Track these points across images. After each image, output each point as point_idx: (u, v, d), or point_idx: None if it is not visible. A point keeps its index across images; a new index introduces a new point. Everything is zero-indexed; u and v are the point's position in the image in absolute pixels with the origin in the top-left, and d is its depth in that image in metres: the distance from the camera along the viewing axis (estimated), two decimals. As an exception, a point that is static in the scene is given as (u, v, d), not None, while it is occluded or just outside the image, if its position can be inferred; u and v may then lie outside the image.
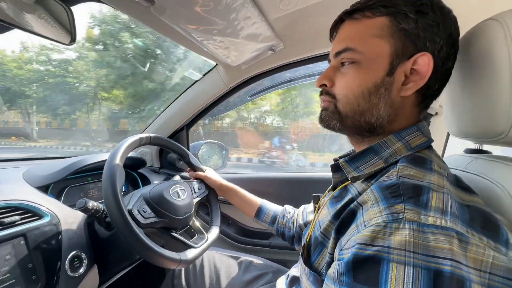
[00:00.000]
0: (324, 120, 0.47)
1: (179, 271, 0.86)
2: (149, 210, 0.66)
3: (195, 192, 0.84)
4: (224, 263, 0.87)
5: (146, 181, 1.04)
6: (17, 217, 0.57)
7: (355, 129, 0.45)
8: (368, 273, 0.30)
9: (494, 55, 0.40)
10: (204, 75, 1.02)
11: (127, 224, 0.57)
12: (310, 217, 0.73)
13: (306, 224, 0.73)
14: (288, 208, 0.83)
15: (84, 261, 0.64)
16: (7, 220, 0.55)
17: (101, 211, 0.65)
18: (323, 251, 0.44)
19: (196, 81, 1.04)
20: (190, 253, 0.68)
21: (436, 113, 0.83)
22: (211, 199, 0.89)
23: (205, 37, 0.68)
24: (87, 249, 0.66)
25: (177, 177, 0.91)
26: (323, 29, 0.77)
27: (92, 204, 0.62)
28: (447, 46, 0.40)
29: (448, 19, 0.40)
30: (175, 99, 1.09)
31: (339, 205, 0.45)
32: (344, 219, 0.40)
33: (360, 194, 0.42)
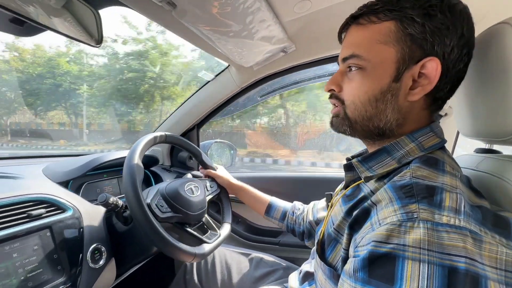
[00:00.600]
0: (335, 126, 0.49)
1: (191, 267, 0.89)
2: (165, 205, 0.68)
3: (207, 190, 0.86)
4: (235, 259, 0.89)
5: (158, 179, 1.06)
6: (43, 210, 0.59)
7: (365, 133, 0.46)
8: (384, 270, 0.31)
9: (506, 58, 0.41)
10: (216, 75, 1.04)
11: (146, 217, 0.60)
12: (321, 213, 0.74)
13: (316, 221, 0.74)
14: (298, 204, 0.84)
15: (103, 253, 0.66)
16: (34, 212, 0.57)
17: (120, 206, 0.68)
18: (337, 247, 0.46)
19: (208, 81, 1.07)
20: (204, 248, 0.70)
21: (446, 114, 0.85)
22: (222, 197, 0.92)
23: (221, 39, 0.70)
24: (106, 243, 0.68)
25: (189, 175, 0.93)
26: (334, 31, 0.78)
27: (112, 199, 0.65)
28: (458, 47, 0.39)
29: (459, 19, 0.39)
30: (188, 99, 1.12)
31: (352, 203, 0.46)
32: (357, 217, 0.41)
33: (373, 192, 0.43)
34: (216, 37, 0.68)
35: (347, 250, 0.41)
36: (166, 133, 0.81)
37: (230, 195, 0.93)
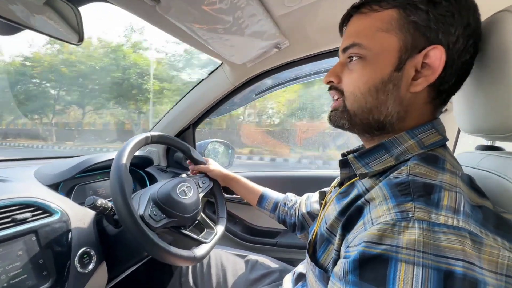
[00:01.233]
0: (333, 120, 0.47)
1: (186, 270, 0.87)
2: (159, 213, 0.66)
3: (199, 187, 0.84)
4: (230, 261, 0.88)
5: (153, 180, 1.05)
6: (28, 214, 0.58)
7: (364, 127, 0.44)
8: (375, 272, 0.30)
9: (509, 48, 0.39)
10: (210, 74, 1.02)
11: (141, 230, 0.58)
12: (315, 206, 0.72)
13: (309, 213, 0.73)
14: (290, 195, 0.83)
15: (93, 257, 0.65)
16: (19, 216, 0.56)
17: (110, 209, 0.66)
18: (329, 248, 0.44)
19: (202, 80, 1.05)
20: (202, 249, 0.70)
21: (446, 110, 0.82)
22: (215, 191, 0.90)
23: (210, 35, 0.68)
24: (96, 246, 0.67)
25: (183, 175, 0.91)
26: (328, 25, 0.77)
27: (100, 201, 0.63)
28: (463, 37, 0.37)
29: (465, 8, 0.37)
30: (181, 98, 1.10)
31: (345, 201, 0.44)
32: (350, 216, 0.39)
33: (367, 190, 0.41)
34: (205, 33, 0.66)
35: (338, 251, 0.39)
36: (154, 133, 0.78)
37: (226, 196, 0.92)
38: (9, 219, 0.55)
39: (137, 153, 0.93)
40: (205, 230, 0.79)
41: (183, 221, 0.71)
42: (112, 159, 0.65)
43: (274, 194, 0.85)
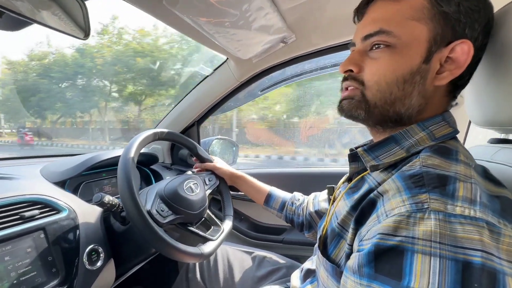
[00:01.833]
0: (347, 110, 0.44)
1: (194, 266, 0.87)
2: (166, 209, 0.66)
3: (206, 184, 0.84)
4: (237, 258, 0.87)
5: (158, 177, 1.05)
6: (36, 211, 0.58)
7: (380, 120, 0.43)
8: (391, 264, 0.29)
9: None
10: (215, 70, 1.01)
11: (148, 226, 0.58)
12: (322, 205, 0.72)
13: (317, 211, 0.72)
14: (298, 195, 0.82)
15: (101, 254, 0.64)
16: (27, 214, 0.56)
17: (117, 206, 0.66)
18: (341, 243, 0.43)
19: (207, 76, 1.04)
20: (209, 246, 0.69)
21: (456, 103, 0.80)
22: (222, 189, 0.90)
23: (216, 29, 0.67)
24: (104, 243, 0.66)
25: (189, 173, 0.91)
26: (336, 19, 0.76)
27: (108, 198, 0.63)
28: (483, 34, 0.37)
29: (487, 5, 0.37)
30: (186, 95, 1.09)
31: (356, 196, 0.43)
32: (363, 209, 0.38)
33: (379, 184, 0.40)
34: (211, 27, 0.65)
35: (351, 245, 0.39)
36: (161, 130, 0.78)
37: (232, 193, 0.91)
38: (17, 217, 0.55)
39: (142, 150, 0.93)
40: (212, 227, 0.78)
41: (189, 218, 0.71)
42: (118, 156, 0.65)
43: (281, 193, 0.84)
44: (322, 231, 0.50)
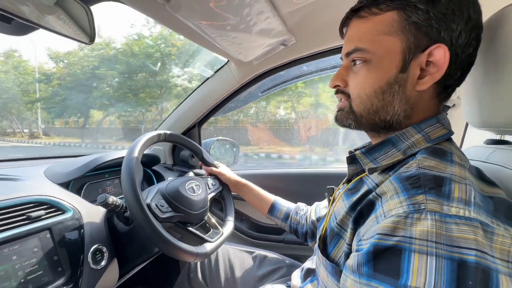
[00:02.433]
0: (340, 120, 0.48)
1: (195, 265, 0.88)
2: (166, 205, 0.67)
3: (209, 188, 0.85)
4: (238, 257, 0.88)
5: (160, 178, 1.06)
6: (42, 212, 0.59)
7: (371, 127, 0.46)
8: (389, 263, 0.30)
9: None
10: (216, 72, 1.02)
11: (146, 217, 0.59)
12: (324, 211, 0.73)
13: (319, 219, 0.73)
14: (301, 205, 0.83)
15: (105, 254, 0.66)
16: (33, 214, 0.57)
17: (120, 206, 0.67)
18: (340, 242, 0.45)
19: (208, 78, 1.05)
20: (206, 247, 0.69)
21: (454, 105, 0.82)
22: (224, 194, 0.90)
23: (218, 33, 0.68)
24: (108, 243, 0.68)
25: (191, 174, 0.92)
26: (335, 22, 0.76)
27: (112, 199, 0.64)
28: (466, 31, 0.38)
29: (464, 2, 0.38)
30: (187, 97, 1.10)
31: (355, 197, 0.44)
32: (362, 210, 0.40)
33: (377, 185, 0.42)
34: (213, 31, 0.67)
35: (350, 245, 0.40)
36: (166, 131, 0.80)
37: (233, 193, 0.92)
38: (24, 217, 0.56)
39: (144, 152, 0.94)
40: (211, 230, 0.79)
41: (189, 218, 0.71)
42: (121, 157, 0.66)
43: (285, 203, 0.85)
44: (322, 230, 0.51)
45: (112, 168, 0.93)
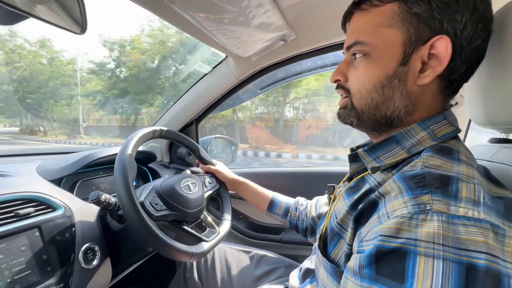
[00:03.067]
0: (342, 118, 0.47)
1: (191, 265, 0.86)
2: (160, 203, 0.65)
3: (206, 186, 0.83)
4: (235, 257, 0.87)
5: (156, 176, 1.04)
6: (31, 209, 0.57)
7: (373, 124, 0.44)
8: (393, 266, 0.29)
9: None
10: (214, 67, 1.00)
11: (139, 216, 0.57)
12: (324, 208, 0.71)
13: (319, 215, 0.72)
14: (301, 200, 0.81)
15: (97, 253, 0.64)
16: (22, 211, 0.55)
17: (114, 204, 0.65)
18: (340, 242, 0.43)
19: (206, 74, 1.03)
20: (202, 247, 0.67)
21: (456, 103, 0.80)
22: (221, 193, 0.89)
23: (215, 26, 0.66)
24: (100, 242, 0.66)
25: (187, 171, 0.90)
26: (336, 17, 0.74)
27: (104, 196, 0.62)
28: (471, 22, 0.36)
29: None
30: (185, 93, 1.08)
31: (356, 196, 0.43)
32: (363, 209, 0.38)
33: (380, 184, 0.40)
34: (210, 24, 0.65)
35: (351, 245, 0.39)
36: (162, 128, 0.78)
37: (230, 192, 0.90)
38: (12, 214, 0.54)
39: (140, 148, 0.92)
40: (208, 229, 0.77)
41: (185, 216, 0.69)
42: (115, 154, 0.64)
43: (284, 199, 0.83)
44: (322, 230, 0.50)
45: (107, 165, 0.91)
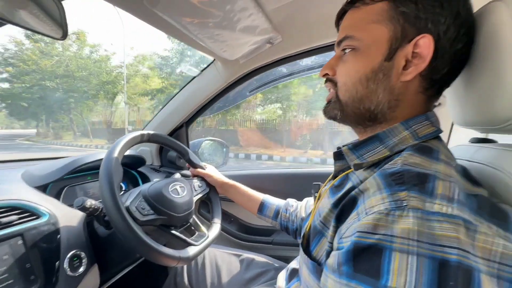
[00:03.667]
0: (327, 112, 0.48)
1: (181, 269, 0.86)
2: (147, 207, 0.65)
3: (195, 190, 0.83)
4: (225, 261, 0.86)
5: (146, 180, 1.03)
6: (14, 217, 0.56)
7: (356, 118, 0.45)
8: (370, 263, 0.29)
9: (500, 38, 0.38)
10: (202, 71, 1.00)
11: (124, 220, 0.56)
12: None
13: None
14: (291, 201, 0.81)
15: (83, 260, 0.63)
16: (4, 220, 0.54)
17: (100, 210, 0.64)
18: (322, 240, 0.44)
19: (194, 77, 1.03)
20: (189, 251, 0.67)
21: (440, 104, 0.81)
22: (211, 196, 0.88)
23: (200, 30, 0.66)
24: (87, 249, 0.65)
25: (177, 175, 0.90)
26: (322, 20, 0.76)
27: (90, 202, 0.62)
28: (454, 26, 0.38)
29: None
30: (174, 96, 1.08)
31: (340, 194, 0.44)
32: (344, 207, 0.39)
33: (361, 182, 0.41)
34: (195, 28, 0.65)
35: (332, 243, 0.39)
36: (150, 131, 0.77)
37: (221, 195, 0.90)
38: None
39: (128, 153, 0.91)
40: (197, 233, 0.76)
41: (173, 221, 0.69)
42: (102, 159, 0.64)
43: (275, 201, 0.83)
44: (306, 228, 0.50)
45: (95, 170, 0.90)
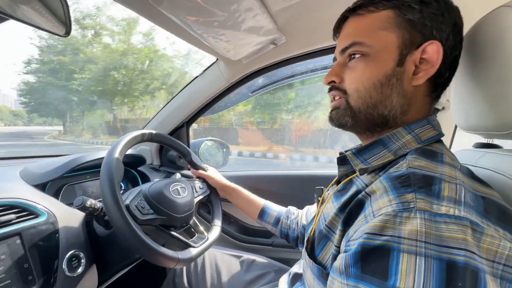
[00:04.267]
0: (336, 119, 0.47)
1: (181, 270, 0.85)
2: (147, 207, 0.64)
3: (196, 191, 0.82)
4: (225, 262, 0.86)
5: (146, 179, 1.02)
6: (12, 216, 0.55)
7: (368, 124, 0.45)
8: (377, 264, 0.29)
9: (506, 43, 0.38)
10: (204, 70, 1.00)
11: (124, 218, 0.55)
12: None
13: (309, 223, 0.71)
14: (292, 209, 0.81)
15: (82, 260, 0.62)
16: (2, 218, 0.53)
17: (99, 209, 0.63)
18: (328, 245, 0.44)
19: (196, 76, 1.02)
20: (189, 252, 0.66)
21: (443, 108, 0.81)
22: (212, 199, 0.88)
23: (205, 29, 0.66)
24: (86, 248, 0.64)
25: (177, 175, 0.89)
26: (326, 22, 0.76)
27: (90, 202, 0.61)
28: (453, 34, 0.40)
29: (451, 8, 0.40)
30: (175, 95, 1.07)
31: (344, 198, 0.44)
32: (351, 210, 0.39)
33: (367, 186, 0.41)
34: (199, 27, 0.64)
35: (339, 247, 0.39)
36: (151, 131, 0.77)
37: (221, 197, 0.89)
38: None
39: (128, 152, 0.91)
40: (196, 235, 0.76)
41: (172, 221, 0.68)
42: (102, 157, 0.63)
43: (276, 207, 0.83)
44: (310, 233, 0.50)
45: (94, 168, 0.89)
